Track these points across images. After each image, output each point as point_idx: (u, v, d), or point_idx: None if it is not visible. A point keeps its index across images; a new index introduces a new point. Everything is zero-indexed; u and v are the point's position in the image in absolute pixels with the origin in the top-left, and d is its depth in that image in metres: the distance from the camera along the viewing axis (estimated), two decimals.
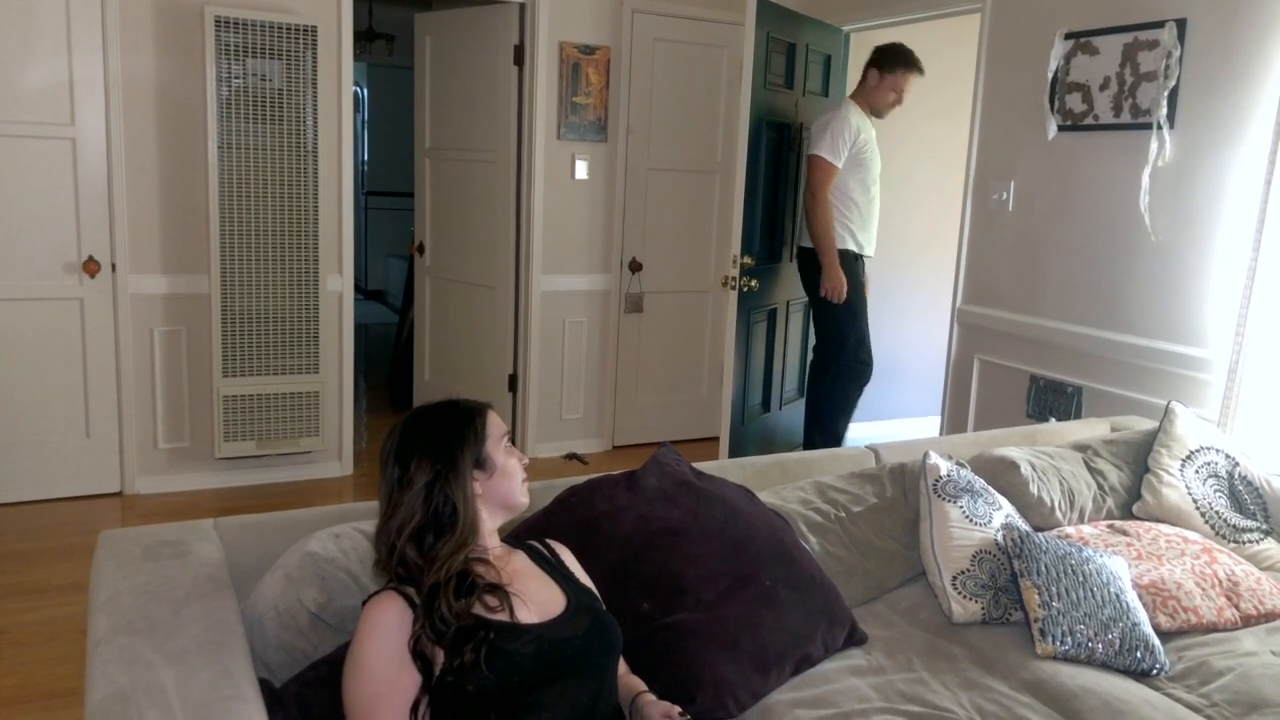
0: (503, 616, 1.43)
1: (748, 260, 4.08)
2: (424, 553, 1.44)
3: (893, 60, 4.00)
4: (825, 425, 4.29)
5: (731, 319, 4.10)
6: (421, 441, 1.49)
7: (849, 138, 3.96)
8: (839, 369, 4.21)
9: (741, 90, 3.98)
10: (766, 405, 4.58)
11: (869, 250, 4.19)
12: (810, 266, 4.17)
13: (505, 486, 1.55)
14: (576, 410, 4.89)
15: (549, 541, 1.70)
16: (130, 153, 3.81)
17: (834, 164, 3.96)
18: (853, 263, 4.11)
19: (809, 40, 4.39)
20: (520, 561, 1.59)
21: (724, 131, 4.89)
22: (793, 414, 4.80)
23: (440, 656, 1.38)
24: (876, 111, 4.09)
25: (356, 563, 1.66)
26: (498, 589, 1.46)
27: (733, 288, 4.04)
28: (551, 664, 1.43)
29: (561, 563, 1.65)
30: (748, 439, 4.37)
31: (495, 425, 1.57)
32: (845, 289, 4.01)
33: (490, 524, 1.55)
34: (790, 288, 4.59)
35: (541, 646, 1.44)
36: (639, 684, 1.61)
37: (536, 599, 1.51)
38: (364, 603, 1.45)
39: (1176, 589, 2.14)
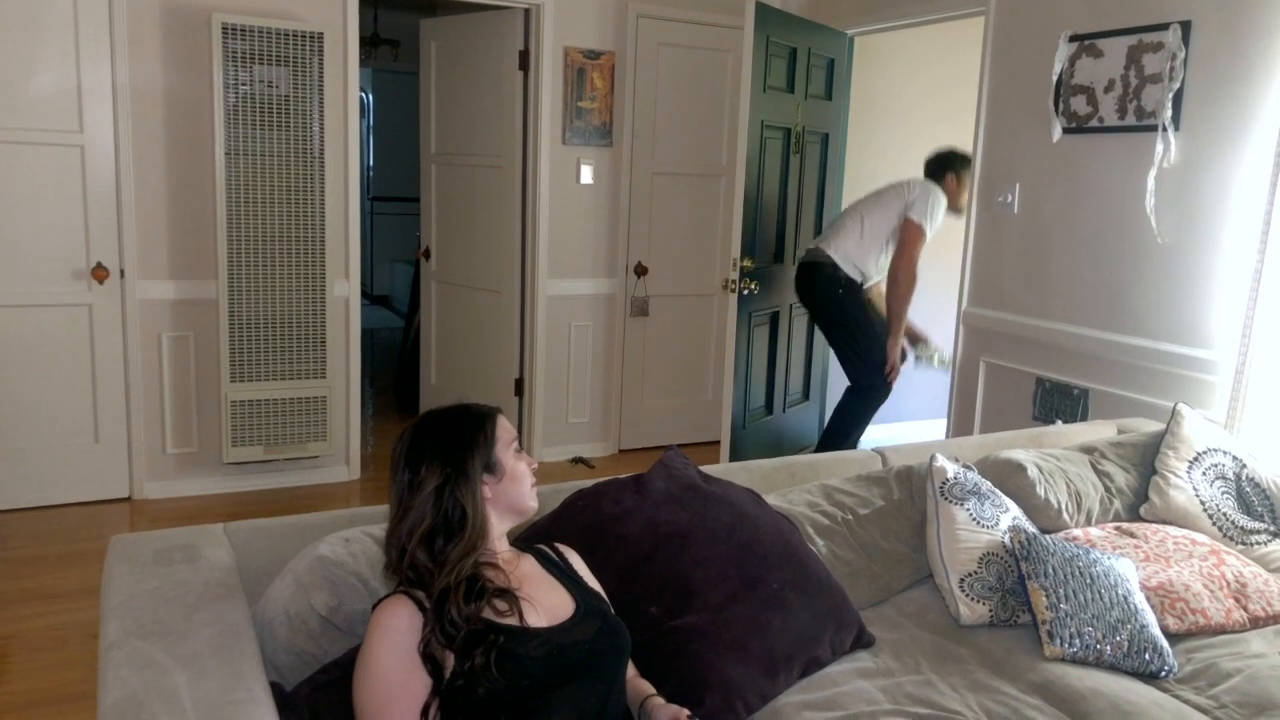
0: (512, 620, 1.44)
1: (748, 263, 4.10)
2: (434, 556, 1.45)
3: (961, 165, 4.13)
4: (840, 437, 4.33)
5: (731, 322, 4.11)
6: (431, 445, 1.50)
7: (938, 222, 4.14)
8: (857, 385, 4.27)
9: (740, 94, 4.00)
10: (770, 408, 4.58)
11: (869, 282, 4.27)
12: (817, 283, 4.20)
13: (514, 491, 1.56)
14: (582, 414, 4.90)
15: (557, 545, 1.71)
16: (138, 159, 3.83)
17: (926, 234, 4.11)
18: (859, 289, 4.20)
19: (811, 44, 4.40)
20: (529, 565, 1.59)
21: (728, 135, 4.90)
22: (797, 417, 4.81)
23: (450, 660, 1.39)
24: (958, 209, 4.20)
25: (366, 567, 1.67)
26: (507, 593, 1.46)
27: (732, 290, 4.05)
28: (561, 667, 1.44)
29: (570, 566, 1.66)
30: (751, 441, 4.38)
31: (505, 429, 1.58)
32: (899, 365, 4.17)
33: (499, 528, 1.56)
34: (793, 291, 4.59)
35: (551, 650, 1.44)
36: (647, 687, 1.62)
37: (545, 603, 1.51)
38: (374, 606, 1.46)
39: (1184, 591, 2.14)
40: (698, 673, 1.70)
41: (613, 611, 1.62)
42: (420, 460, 1.48)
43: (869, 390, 4.23)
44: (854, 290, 4.17)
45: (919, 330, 4.44)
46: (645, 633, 1.73)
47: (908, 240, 4.09)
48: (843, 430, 4.29)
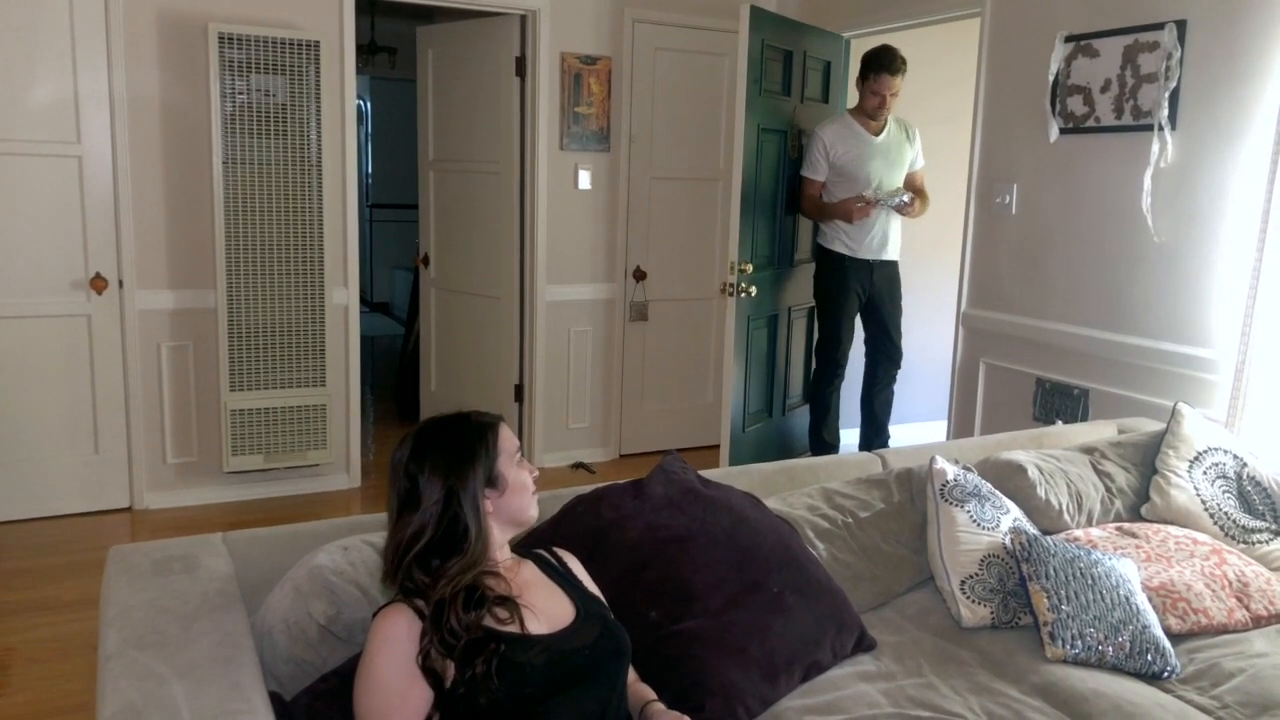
0: (513, 628, 1.44)
1: (746, 267, 4.10)
2: (432, 569, 1.44)
3: (866, 66, 4.10)
4: (813, 426, 4.53)
5: (730, 325, 4.11)
6: (432, 457, 1.48)
7: (821, 153, 4.19)
8: (819, 367, 4.46)
9: (736, 98, 4.00)
10: (770, 411, 4.58)
11: (877, 254, 4.21)
12: (817, 265, 4.37)
13: (516, 503, 1.54)
14: (583, 419, 4.89)
15: (557, 550, 1.70)
16: (136, 169, 3.83)
17: (812, 179, 4.24)
18: (837, 263, 4.21)
19: (807, 47, 4.40)
20: (529, 572, 1.59)
21: (726, 139, 4.90)
22: (797, 420, 4.80)
23: (450, 669, 1.38)
24: (872, 116, 4.16)
25: (365, 575, 1.67)
26: (508, 601, 1.46)
27: (731, 294, 4.05)
28: (562, 674, 1.44)
29: (570, 572, 1.65)
30: (751, 445, 4.37)
31: (507, 440, 1.56)
32: (854, 210, 4.10)
33: (500, 538, 1.55)
34: (792, 294, 4.59)
35: (551, 657, 1.44)
36: (648, 692, 1.61)
37: (546, 610, 1.51)
38: (373, 615, 1.46)
39: (1186, 591, 2.13)
40: (698, 677, 1.70)
41: (613, 617, 1.62)
42: (420, 472, 1.47)
43: (816, 353, 4.45)
44: (834, 263, 4.22)
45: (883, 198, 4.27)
46: (645, 638, 1.72)
47: (799, 194, 4.31)
48: (812, 416, 4.52)
